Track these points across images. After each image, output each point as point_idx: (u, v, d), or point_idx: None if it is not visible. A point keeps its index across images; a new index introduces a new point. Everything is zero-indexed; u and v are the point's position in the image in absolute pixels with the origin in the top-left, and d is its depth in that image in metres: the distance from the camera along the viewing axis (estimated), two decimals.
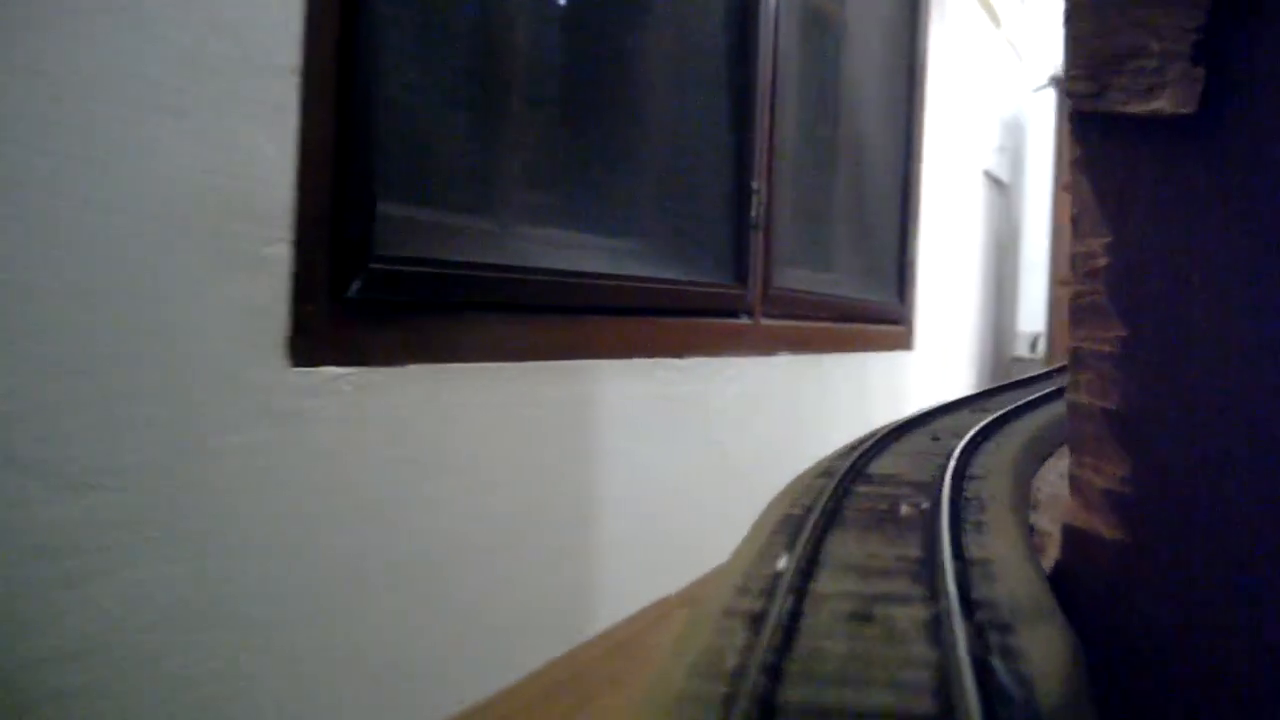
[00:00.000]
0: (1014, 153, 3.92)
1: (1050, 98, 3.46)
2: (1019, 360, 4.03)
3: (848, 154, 2.36)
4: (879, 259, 2.56)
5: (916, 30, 2.67)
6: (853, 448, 0.68)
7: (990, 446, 0.70)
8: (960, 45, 3.05)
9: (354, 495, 1.00)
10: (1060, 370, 1.09)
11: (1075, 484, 0.58)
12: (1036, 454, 0.73)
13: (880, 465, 0.65)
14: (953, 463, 0.63)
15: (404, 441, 1.06)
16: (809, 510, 0.56)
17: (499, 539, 1.18)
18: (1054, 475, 0.69)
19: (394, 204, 1.10)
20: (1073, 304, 0.58)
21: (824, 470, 0.64)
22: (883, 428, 0.75)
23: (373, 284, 1.01)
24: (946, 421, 0.81)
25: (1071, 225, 0.58)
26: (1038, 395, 0.92)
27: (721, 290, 1.70)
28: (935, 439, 0.72)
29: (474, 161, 1.27)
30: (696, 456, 1.61)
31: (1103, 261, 0.56)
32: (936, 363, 2.96)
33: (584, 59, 1.45)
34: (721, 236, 1.74)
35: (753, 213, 1.75)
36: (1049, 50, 3.82)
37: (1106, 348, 0.56)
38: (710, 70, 1.71)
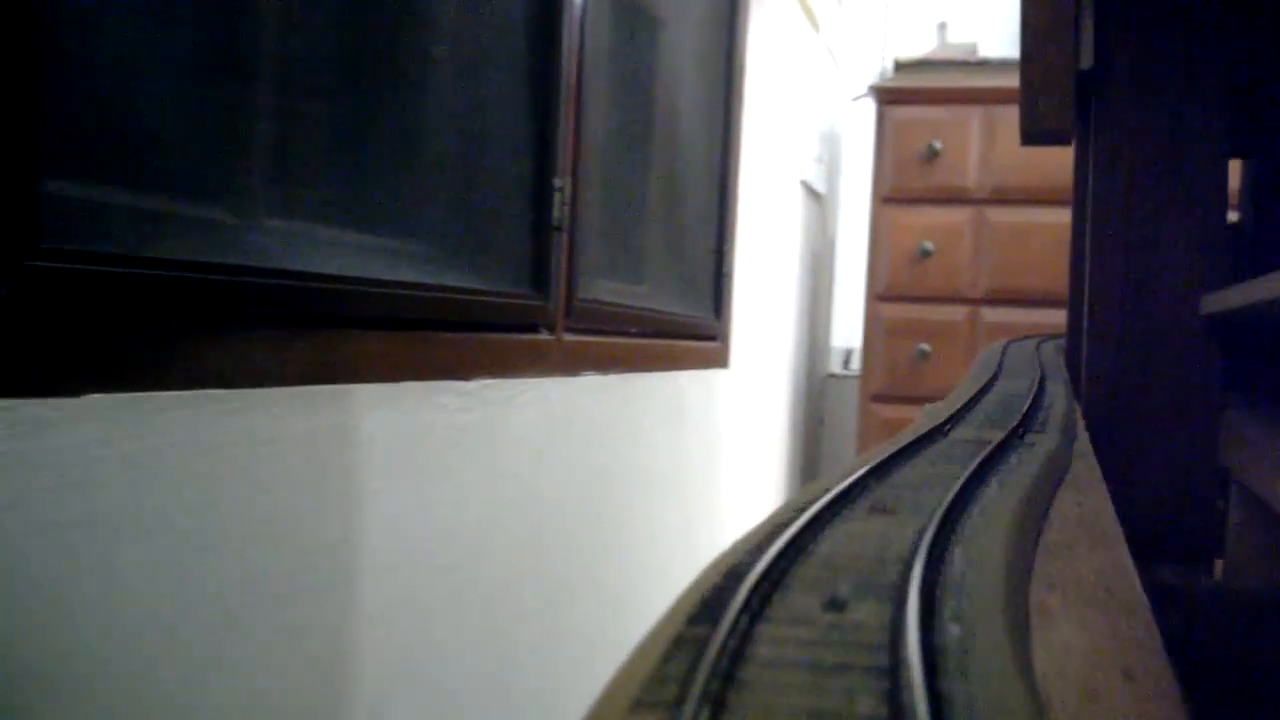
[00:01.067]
0: (830, 163, 3.85)
1: (869, 108, 3.39)
2: (833, 377, 3.96)
3: (662, 155, 2.19)
4: (694, 270, 2.39)
5: (735, 29, 2.52)
6: (681, 639, 0.34)
7: (952, 632, 0.35)
8: (779, 48, 2.94)
9: (5, 571, 0.74)
10: (952, 422, 0.83)
11: None
12: (1024, 640, 0.40)
13: None
14: None
15: (81, 496, 0.80)
16: None
17: (217, 618, 0.93)
18: (1050, 674, 0.42)
19: (78, 183, 0.85)
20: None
21: None
22: (734, 557, 0.41)
23: (33, 287, 0.75)
24: (839, 542, 0.45)
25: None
26: (963, 480, 0.58)
27: (517, 301, 1.48)
28: (835, 605, 0.37)
29: (206, 137, 1.02)
30: (486, 496, 1.38)
31: None
32: (752, 381, 2.83)
33: (355, 22, 1.22)
34: (518, 239, 1.52)
35: (555, 213, 1.54)
36: (867, 58, 3.77)
37: None
38: (508, 48, 1.49)
